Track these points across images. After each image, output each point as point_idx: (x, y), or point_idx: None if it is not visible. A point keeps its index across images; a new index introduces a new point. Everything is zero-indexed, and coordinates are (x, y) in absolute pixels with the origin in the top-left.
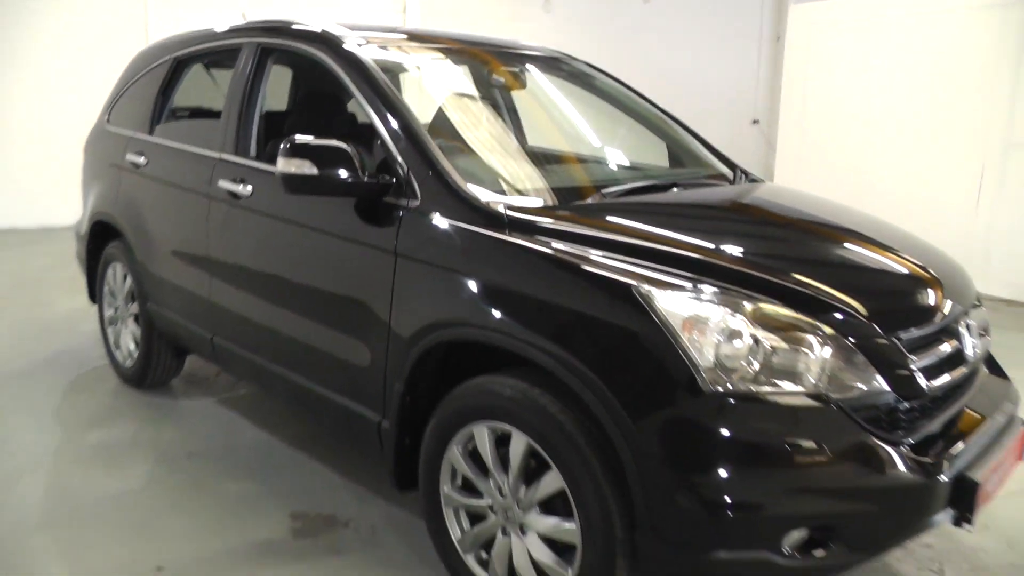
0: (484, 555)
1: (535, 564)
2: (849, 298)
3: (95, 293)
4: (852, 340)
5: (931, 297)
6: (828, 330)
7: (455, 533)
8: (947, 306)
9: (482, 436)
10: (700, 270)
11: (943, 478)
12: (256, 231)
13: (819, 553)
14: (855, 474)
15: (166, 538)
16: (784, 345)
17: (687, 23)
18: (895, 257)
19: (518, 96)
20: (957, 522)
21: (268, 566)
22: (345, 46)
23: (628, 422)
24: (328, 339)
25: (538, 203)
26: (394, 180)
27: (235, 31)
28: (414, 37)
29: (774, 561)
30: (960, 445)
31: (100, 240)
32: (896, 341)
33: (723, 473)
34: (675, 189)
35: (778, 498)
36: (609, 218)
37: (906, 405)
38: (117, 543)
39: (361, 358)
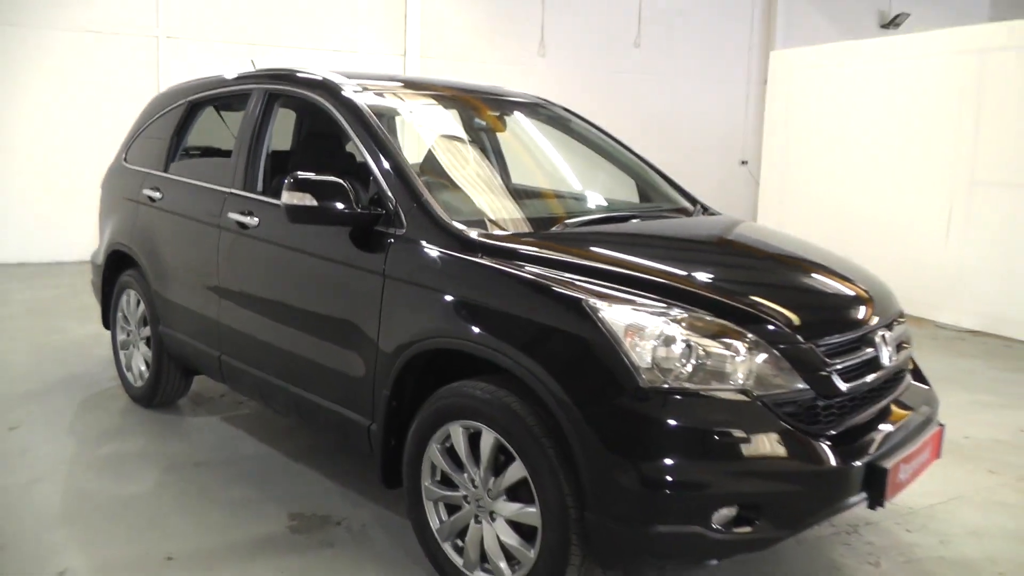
0: (459, 542)
1: (503, 547)
2: (775, 310)
3: (108, 319)
4: (776, 346)
5: (850, 311)
6: (754, 337)
7: (434, 523)
8: (865, 319)
9: (457, 434)
10: (643, 287)
11: (856, 465)
12: (261, 258)
13: (746, 529)
14: (776, 460)
15: (174, 534)
16: (714, 350)
17: (677, 66)
18: (822, 275)
19: (501, 137)
20: (871, 504)
21: (267, 557)
22: (344, 92)
23: (578, 415)
24: (324, 353)
25: (507, 231)
26: (384, 211)
27: (245, 78)
28: (407, 84)
29: (705, 535)
30: (874, 438)
31: (116, 269)
32: (815, 348)
33: (658, 457)
34: (633, 220)
35: (706, 479)
36: (567, 244)
37: (825, 402)
38: (130, 538)
39: (354, 369)
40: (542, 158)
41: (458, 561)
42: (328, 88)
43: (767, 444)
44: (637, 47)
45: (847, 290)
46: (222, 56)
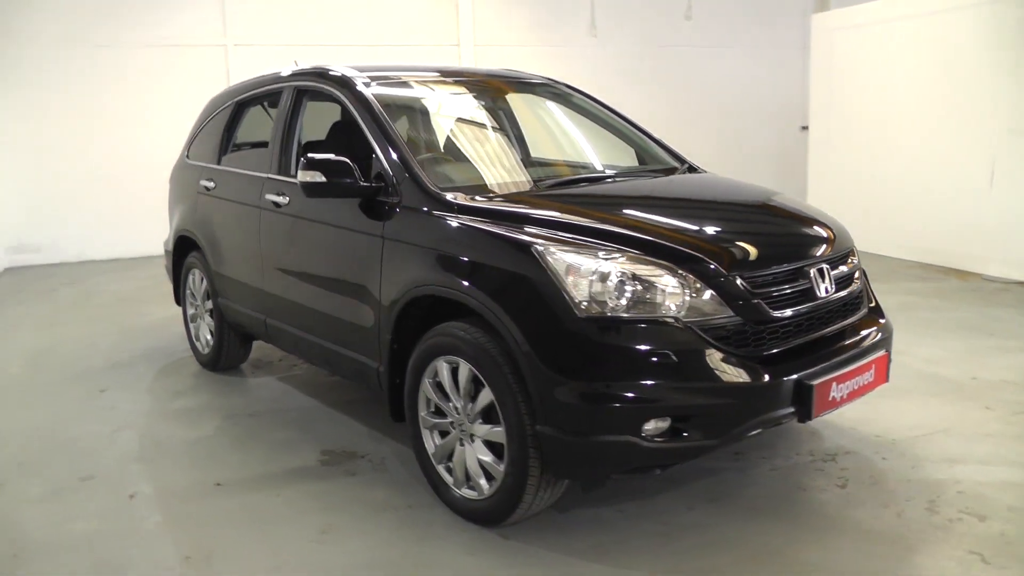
0: (450, 464)
1: (481, 465)
2: (705, 248)
3: (179, 297)
4: (703, 279)
5: (780, 249)
6: (682, 272)
7: (430, 448)
8: (796, 256)
9: (442, 368)
10: (588, 234)
11: (780, 381)
12: (292, 230)
13: (676, 438)
14: (701, 377)
15: (225, 466)
16: (644, 284)
17: (730, 36)
18: (761, 218)
19: (505, 112)
20: (800, 418)
21: (298, 483)
22: (356, 86)
23: (527, 344)
24: (342, 308)
25: (482, 193)
26: (383, 184)
27: (279, 78)
28: (422, 73)
29: (638, 444)
30: (804, 359)
31: (183, 252)
32: (741, 280)
33: (591, 376)
34: (606, 181)
35: (635, 394)
36: (533, 202)
37: (754, 327)
38: (188, 469)
39: (364, 320)
40: (543, 129)
41: (449, 480)
42: (343, 82)
43: (692, 363)
44: (688, 19)
45: (781, 230)
46: (287, 59)
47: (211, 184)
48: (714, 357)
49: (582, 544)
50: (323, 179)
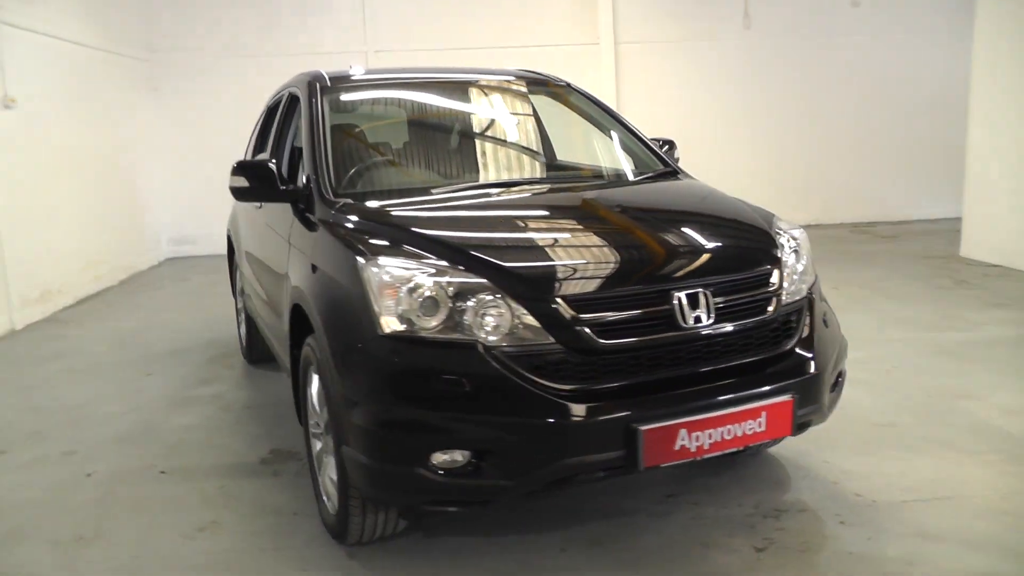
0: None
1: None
2: (528, 267)
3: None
4: (521, 300)
5: (632, 269)
6: (500, 292)
7: (315, 455)
8: (653, 278)
9: (312, 379)
10: (430, 246)
11: (594, 421)
12: (261, 233)
13: (471, 475)
14: (498, 409)
15: (181, 455)
16: (456, 304)
17: (902, 23)
18: (633, 237)
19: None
20: (625, 467)
21: (226, 478)
22: (314, 91)
23: (331, 359)
24: (273, 310)
25: (379, 200)
26: (295, 188)
27: (286, 84)
28: (399, 77)
29: (426, 476)
30: (645, 398)
31: (230, 250)
32: (565, 303)
33: (380, 398)
34: (513, 189)
35: (424, 422)
36: (405, 211)
37: (579, 358)
38: (151, 454)
39: (283, 323)
40: (518, 132)
41: (321, 490)
42: (307, 86)
43: (489, 393)
44: (856, 6)
45: (653, 248)
46: (428, 62)
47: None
48: (515, 388)
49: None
50: (246, 184)
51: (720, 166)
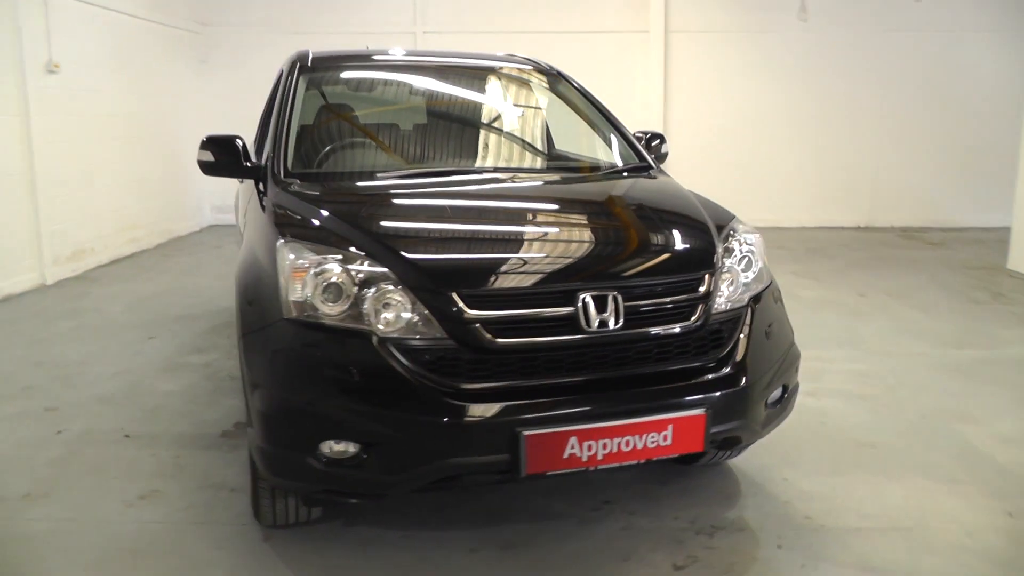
0: None
1: None
2: (427, 258)
3: None
4: (417, 291)
5: (535, 267)
6: (399, 282)
7: None
8: (557, 277)
9: None
10: (340, 231)
11: (474, 421)
12: (242, 205)
13: (354, 468)
14: (382, 402)
15: (152, 421)
16: (362, 292)
17: (968, 19)
18: (555, 235)
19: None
20: (509, 472)
21: (185, 447)
22: (293, 70)
23: (240, 341)
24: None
25: (331, 182)
26: (260, 167)
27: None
28: (386, 59)
29: (311, 465)
30: (537, 403)
31: None
32: (459, 297)
33: (273, 383)
34: (454, 178)
35: (312, 409)
36: (336, 194)
37: (472, 355)
38: (124, 417)
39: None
40: (492, 119)
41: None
42: (288, 63)
43: (376, 385)
44: (918, 0)
45: (561, 250)
46: (472, 45)
47: None
48: (403, 383)
49: (317, 564)
50: (212, 158)
51: (765, 161)
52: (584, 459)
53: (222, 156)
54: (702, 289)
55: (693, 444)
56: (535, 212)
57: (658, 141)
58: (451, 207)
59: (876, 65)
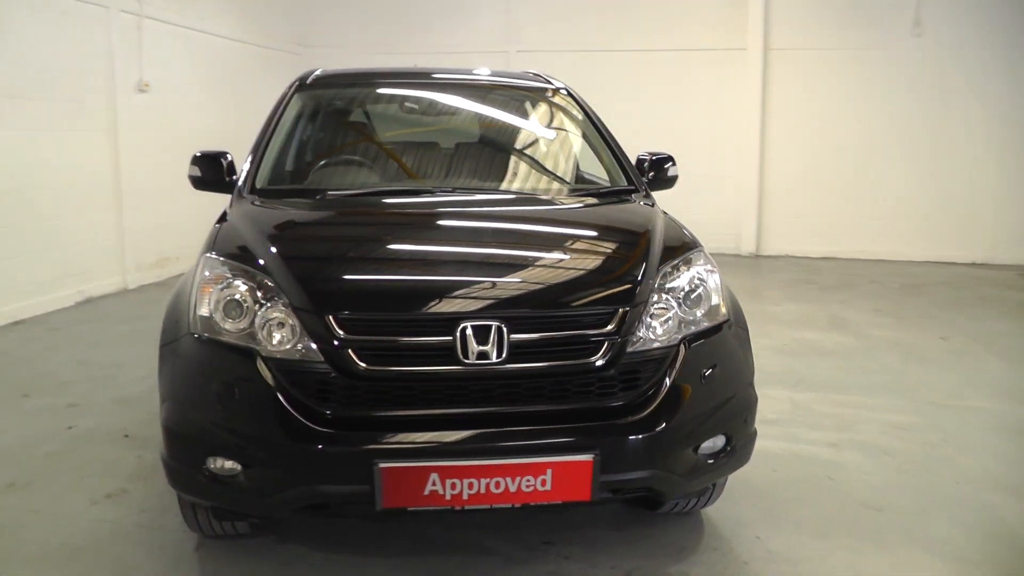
0: None
1: None
2: (312, 280)
3: None
4: (298, 312)
5: (418, 296)
6: (286, 304)
7: None
8: (438, 307)
9: None
10: (256, 250)
11: (331, 450)
12: None
13: (231, 487)
14: (253, 422)
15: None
16: (259, 311)
17: None
18: (452, 263)
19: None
20: (367, 507)
21: None
22: (292, 86)
23: (158, 356)
24: None
25: (270, 199)
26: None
27: None
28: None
29: (199, 479)
30: (397, 436)
31: None
32: (335, 321)
33: (168, 396)
34: (403, 198)
35: (195, 423)
36: (274, 211)
37: (345, 381)
38: (131, 417)
39: None
40: (474, 137)
41: None
42: (293, 82)
43: (252, 405)
44: None
45: (449, 278)
46: (569, 63)
47: None
48: (276, 404)
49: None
50: (199, 173)
51: (869, 188)
52: (447, 497)
53: (208, 172)
54: (610, 326)
55: (578, 492)
56: (451, 237)
57: (669, 164)
58: (370, 229)
59: (998, 85)
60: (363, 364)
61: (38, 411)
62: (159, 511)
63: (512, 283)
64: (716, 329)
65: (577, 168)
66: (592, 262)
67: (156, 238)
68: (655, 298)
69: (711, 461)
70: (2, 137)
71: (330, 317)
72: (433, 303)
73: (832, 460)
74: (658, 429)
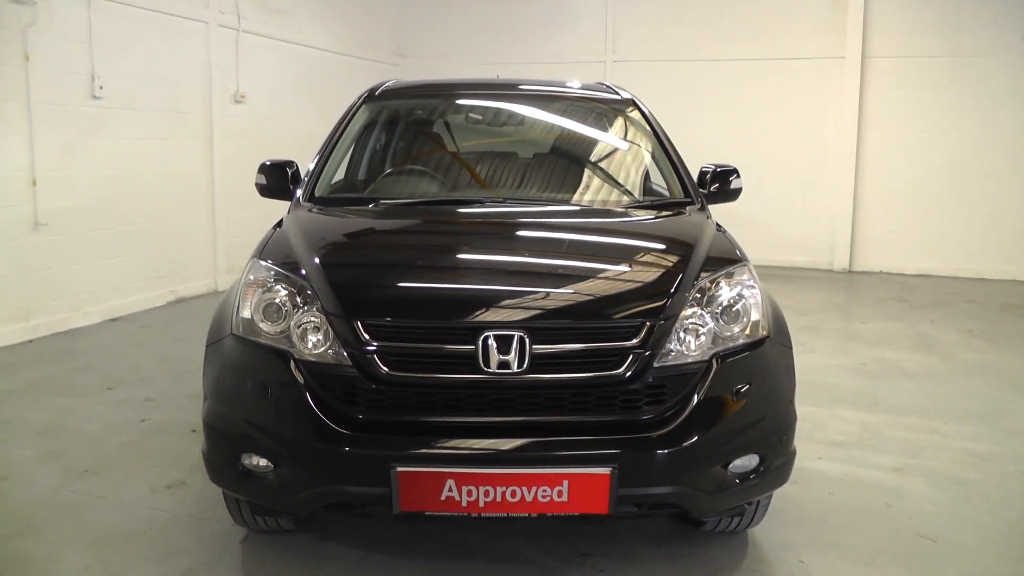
0: None
1: None
2: (345, 287)
3: None
4: (329, 316)
5: (444, 304)
6: (321, 310)
7: None
8: (460, 313)
9: None
10: (301, 255)
11: (348, 451)
12: None
13: (260, 479)
14: (289, 422)
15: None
16: (296, 314)
17: None
18: (485, 272)
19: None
20: (389, 506)
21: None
22: (361, 97)
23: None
24: None
25: (327, 206)
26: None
27: None
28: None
29: (234, 474)
30: (417, 440)
31: None
32: (361, 326)
33: (215, 394)
34: (456, 207)
35: (232, 419)
36: (324, 218)
37: (369, 385)
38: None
39: None
40: (535, 147)
41: None
42: (362, 92)
43: (283, 405)
44: None
45: (477, 287)
46: (662, 73)
47: None
48: (304, 405)
49: (268, 572)
50: (265, 181)
51: (972, 203)
52: (464, 504)
53: (273, 180)
54: (635, 340)
55: (595, 505)
56: (487, 247)
57: (733, 176)
58: (410, 237)
59: None
60: (386, 369)
61: (119, 403)
62: (212, 503)
63: (538, 294)
64: (754, 346)
65: (647, 179)
66: (625, 274)
67: (246, 242)
68: (689, 312)
69: (740, 481)
70: (116, 146)
71: (358, 322)
72: (457, 312)
73: (894, 486)
74: (683, 445)
